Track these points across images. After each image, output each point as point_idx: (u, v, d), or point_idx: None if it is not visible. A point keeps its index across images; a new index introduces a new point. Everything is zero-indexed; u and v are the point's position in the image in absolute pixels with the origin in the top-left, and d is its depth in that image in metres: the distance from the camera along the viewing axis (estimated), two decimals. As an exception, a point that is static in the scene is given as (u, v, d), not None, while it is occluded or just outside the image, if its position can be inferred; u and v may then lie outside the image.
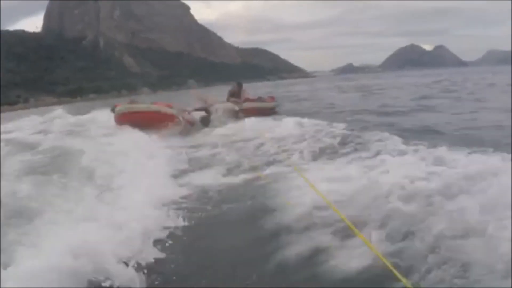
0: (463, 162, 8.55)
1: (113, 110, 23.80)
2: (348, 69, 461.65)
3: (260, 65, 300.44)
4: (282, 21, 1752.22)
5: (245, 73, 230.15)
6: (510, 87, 43.00)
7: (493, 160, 7.88)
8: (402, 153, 10.19)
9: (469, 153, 9.07)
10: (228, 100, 25.30)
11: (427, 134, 15.07)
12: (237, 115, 22.54)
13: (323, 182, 8.08)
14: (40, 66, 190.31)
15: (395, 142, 12.09)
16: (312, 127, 17.44)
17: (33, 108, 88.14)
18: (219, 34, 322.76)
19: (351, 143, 12.77)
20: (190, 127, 22.92)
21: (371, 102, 30.40)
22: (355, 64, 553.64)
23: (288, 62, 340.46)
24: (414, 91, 44.37)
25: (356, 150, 12.12)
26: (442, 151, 9.49)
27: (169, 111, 23.02)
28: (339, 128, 15.54)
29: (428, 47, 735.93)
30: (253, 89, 32.47)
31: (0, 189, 8.70)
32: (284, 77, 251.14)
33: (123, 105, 23.17)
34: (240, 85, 27.11)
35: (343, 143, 13.08)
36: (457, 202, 6.19)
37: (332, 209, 6.27)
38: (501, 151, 8.49)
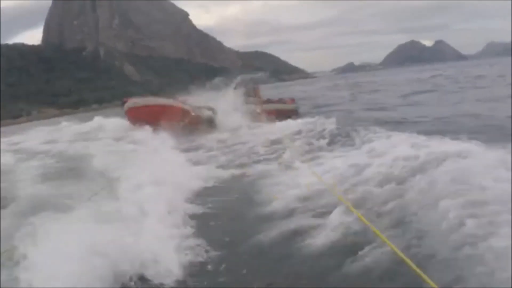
0: (433, 147, 10.44)
1: (123, 104, 24.74)
2: (349, 68, 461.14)
3: (261, 68, 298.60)
4: (281, 23, 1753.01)
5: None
6: (501, 78, 43.89)
7: (464, 145, 9.69)
8: (382, 141, 12.15)
9: (441, 139, 11.26)
10: (246, 102, 25.86)
11: (406, 125, 17.00)
12: (258, 116, 23.15)
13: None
14: (41, 78, 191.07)
15: (377, 132, 13.97)
16: (305, 125, 19.71)
17: (36, 121, 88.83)
18: (218, 38, 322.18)
19: (339, 136, 14.99)
20: (202, 123, 23.78)
21: (362, 100, 31.65)
22: (356, 63, 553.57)
23: (289, 63, 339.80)
24: (405, 87, 45.74)
25: (342, 142, 14.45)
26: (416, 138, 11.57)
27: (179, 105, 23.74)
28: (331, 122, 18.02)
29: (428, 42, 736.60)
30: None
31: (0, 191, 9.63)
32: (285, 79, 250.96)
33: (132, 99, 24.03)
34: (256, 87, 27.69)
35: (333, 135, 15.60)
36: (427, 178, 8.04)
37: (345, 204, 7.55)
38: (475, 138, 10.24)
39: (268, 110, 24.74)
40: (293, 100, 28.83)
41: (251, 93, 27.50)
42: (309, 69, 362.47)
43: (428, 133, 12.56)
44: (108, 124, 30.14)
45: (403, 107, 27.52)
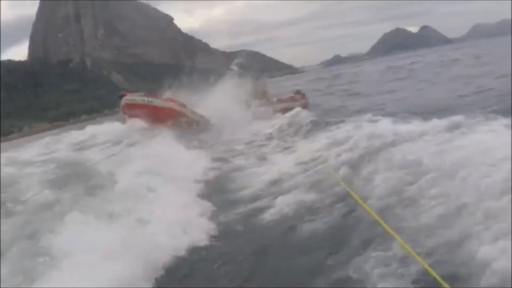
0: (389, 128, 12.49)
1: (120, 97, 25.18)
2: (336, 61, 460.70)
3: (249, 66, 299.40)
4: (265, 20, 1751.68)
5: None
6: (476, 59, 45.13)
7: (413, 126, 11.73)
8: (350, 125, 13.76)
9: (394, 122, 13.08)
10: (255, 104, 26.03)
11: (374, 111, 18.36)
12: (271, 116, 23.91)
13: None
14: (30, 93, 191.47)
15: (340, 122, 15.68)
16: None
17: (27, 137, 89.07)
18: (204, 40, 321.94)
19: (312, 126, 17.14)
20: (197, 124, 24.40)
21: (337, 91, 32.91)
22: (343, 55, 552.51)
23: (276, 60, 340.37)
24: (383, 76, 47.09)
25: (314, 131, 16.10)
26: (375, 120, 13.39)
27: (173, 106, 24.33)
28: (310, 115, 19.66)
29: (413, 29, 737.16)
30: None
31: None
32: (274, 75, 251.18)
33: (131, 95, 24.53)
34: (262, 86, 27.63)
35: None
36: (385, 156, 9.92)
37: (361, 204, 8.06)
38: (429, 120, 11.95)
39: (280, 109, 24.93)
40: (303, 96, 28.36)
41: (260, 95, 27.23)
42: (297, 64, 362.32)
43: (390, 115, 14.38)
44: (105, 129, 30.94)
45: (373, 96, 28.96)
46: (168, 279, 6.71)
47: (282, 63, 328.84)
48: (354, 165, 10.43)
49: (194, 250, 7.56)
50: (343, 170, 10.32)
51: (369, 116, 16.00)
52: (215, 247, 7.67)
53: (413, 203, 7.34)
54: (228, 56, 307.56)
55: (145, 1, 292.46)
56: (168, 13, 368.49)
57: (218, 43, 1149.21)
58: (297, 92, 28.82)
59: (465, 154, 8.39)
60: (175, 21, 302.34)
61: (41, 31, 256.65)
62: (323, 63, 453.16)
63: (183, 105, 25.22)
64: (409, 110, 17.14)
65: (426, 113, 14.79)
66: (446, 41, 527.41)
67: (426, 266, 5.28)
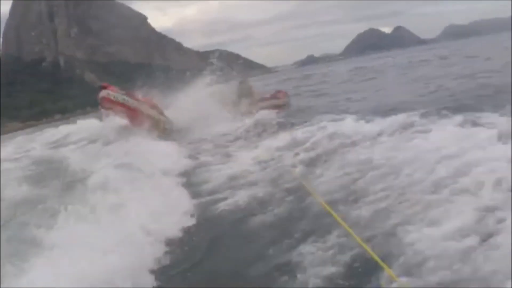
0: (349, 127, 14.20)
1: (99, 87, 25.02)
2: (310, 61, 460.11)
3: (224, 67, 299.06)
4: (239, 20, 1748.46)
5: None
6: (443, 60, 46.39)
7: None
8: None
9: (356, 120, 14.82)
10: (240, 102, 26.41)
11: (338, 111, 19.48)
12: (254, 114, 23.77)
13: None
14: (2, 92, 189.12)
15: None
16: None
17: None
18: (177, 40, 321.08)
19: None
20: (165, 128, 24.72)
21: (304, 91, 33.85)
22: (317, 54, 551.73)
23: (249, 59, 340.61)
24: (351, 76, 48.28)
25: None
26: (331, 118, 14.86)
27: (150, 112, 24.55)
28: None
29: (387, 29, 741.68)
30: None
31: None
32: (247, 75, 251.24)
33: (111, 90, 24.47)
34: (246, 83, 28.02)
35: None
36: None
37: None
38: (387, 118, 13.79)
39: (262, 108, 24.93)
40: (285, 94, 28.97)
41: (246, 94, 27.48)
42: (270, 63, 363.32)
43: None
44: (81, 127, 31.36)
45: (340, 96, 30.06)
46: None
47: (255, 63, 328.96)
48: (310, 164, 11.49)
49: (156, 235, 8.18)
50: (300, 168, 11.33)
51: (332, 116, 17.37)
52: (172, 234, 8.38)
53: (359, 198, 8.26)
54: (202, 56, 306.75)
55: (119, 0, 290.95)
56: (142, 11, 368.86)
57: (192, 42, 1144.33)
58: (278, 91, 29.31)
59: (414, 152, 9.66)
60: (149, 20, 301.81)
61: (14, 30, 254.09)
62: (296, 63, 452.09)
63: (155, 106, 25.53)
64: (371, 110, 18.01)
65: (385, 112, 15.92)
66: (419, 41, 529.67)
67: (369, 250, 5.94)
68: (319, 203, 8.22)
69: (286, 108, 25.83)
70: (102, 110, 24.97)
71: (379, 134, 12.34)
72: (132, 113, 23.87)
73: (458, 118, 11.76)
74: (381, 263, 5.50)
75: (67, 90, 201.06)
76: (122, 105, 23.75)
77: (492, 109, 12.40)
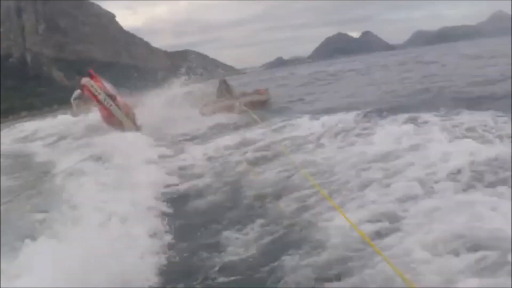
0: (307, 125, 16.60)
1: (88, 75, 25.08)
2: (278, 63, 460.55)
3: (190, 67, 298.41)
4: (209, 21, 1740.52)
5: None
6: (401, 66, 48.61)
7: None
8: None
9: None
10: (219, 98, 26.56)
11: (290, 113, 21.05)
12: (235, 110, 23.98)
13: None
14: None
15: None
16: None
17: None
18: (146, 39, 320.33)
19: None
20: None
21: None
22: (285, 57, 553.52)
23: (218, 61, 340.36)
24: (310, 79, 50.24)
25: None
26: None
27: (117, 113, 24.94)
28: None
29: (355, 34, 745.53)
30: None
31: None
32: (215, 77, 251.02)
33: (94, 81, 24.39)
34: (226, 83, 28.49)
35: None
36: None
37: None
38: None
39: (244, 103, 24.86)
40: (266, 90, 28.86)
41: (225, 92, 27.68)
42: (238, 65, 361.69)
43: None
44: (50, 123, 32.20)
45: (294, 97, 31.80)
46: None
47: (224, 64, 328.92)
48: (254, 162, 12.84)
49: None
50: (244, 165, 12.64)
51: (283, 117, 19.54)
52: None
53: (290, 193, 9.47)
54: (170, 56, 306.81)
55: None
56: (112, 10, 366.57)
57: (160, 42, 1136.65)
58: (259, 89, 29.51)
59: (350, 151, 11.62)
60: (117, 19, 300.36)
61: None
62: (264, 65, 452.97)
63: (129, 112, 25.59)
64: (322, 111, 19.51)
65: (334, 110, 18.61)
66: (388, 47, 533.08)
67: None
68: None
69: (268, 105, 26.21)
70: (72, 103, 25.51)
71: (323, 134, 14.37)
72: (106, 112, 24.28)
73: (397, 117, 14.11)
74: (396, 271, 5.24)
75: (34, 87, 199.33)
76: (98, 101, 23.89)
77: (427, 110, 14.49)
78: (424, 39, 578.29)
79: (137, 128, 24.65)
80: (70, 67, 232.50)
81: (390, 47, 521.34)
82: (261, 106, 25.06)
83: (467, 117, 12.59)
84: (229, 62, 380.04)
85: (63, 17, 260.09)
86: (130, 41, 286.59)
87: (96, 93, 23.46)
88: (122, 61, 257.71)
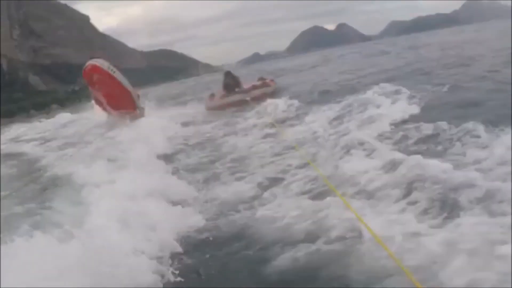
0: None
1: (91, 58, 24.99)
2: (255, 58, 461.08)
3: (167, 66, 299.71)
4: (184, 19, 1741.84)
5: (152, 76, 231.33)
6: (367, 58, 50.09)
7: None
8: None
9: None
10: (227, 93, 26.09)
11: None
12: (247, 103, 23.49)
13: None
14: None
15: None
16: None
17: None
18: (122, 40, 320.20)
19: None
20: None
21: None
22: (262, 52, 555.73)
23: (195, 59, 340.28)
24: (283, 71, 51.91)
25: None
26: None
27: (131, 90, 25.64)
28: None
29: (331, 26, 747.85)
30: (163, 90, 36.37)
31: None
32: (193, 74, 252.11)
33: (100, 60, 24.48)
34: (232, 74, 27.93)
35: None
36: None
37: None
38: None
39: (254, 96, 24.76)
40: (272, 81, 28.74)
41: (232, 84, 27.06)
42: (215, 62, 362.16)
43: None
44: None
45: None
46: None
47: (200, 62, 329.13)
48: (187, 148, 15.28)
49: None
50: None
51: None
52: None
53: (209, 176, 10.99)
54: (146, 56, 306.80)
55: (62, 1, 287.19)
56: (86, 12, 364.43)
57: (136, 42, 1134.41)
58: (261, 78, 29.50)
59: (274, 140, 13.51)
60: (92, 21, 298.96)
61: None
62: (241, 61, 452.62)
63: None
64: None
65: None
66: (364, 38, 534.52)
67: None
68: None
69: (274, 96, 25.17)
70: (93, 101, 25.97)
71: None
72: (115, 96, 24.06)
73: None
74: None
75: (10, 93, 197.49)
76: (110, 77, 23.81)
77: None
78: (399, 29, 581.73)
79: (142, 112, 25.67)
80: (47, 71, 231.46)
81: (366, 38, 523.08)
82: (269, 97, 24.11)
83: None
84: (205, 60, 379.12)
85: (37, 21, 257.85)
86: (105, 42, 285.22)
87: (111, 71, 24.01)
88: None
